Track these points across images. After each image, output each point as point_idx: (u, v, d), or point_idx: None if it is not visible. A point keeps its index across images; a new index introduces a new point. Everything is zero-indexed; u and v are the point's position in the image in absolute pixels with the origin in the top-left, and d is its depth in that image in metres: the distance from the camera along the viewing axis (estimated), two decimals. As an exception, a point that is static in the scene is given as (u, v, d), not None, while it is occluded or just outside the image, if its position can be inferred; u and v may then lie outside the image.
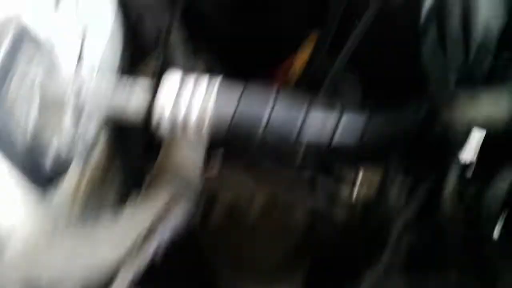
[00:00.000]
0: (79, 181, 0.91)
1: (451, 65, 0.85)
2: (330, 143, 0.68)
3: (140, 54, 1.08)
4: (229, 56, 1.18)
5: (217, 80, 0.69)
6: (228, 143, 0.72)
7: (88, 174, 0.93)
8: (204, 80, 0.69)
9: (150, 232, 0.67)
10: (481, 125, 0.76)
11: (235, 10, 1.16)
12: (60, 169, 0.78)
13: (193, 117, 0.66)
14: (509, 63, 0.82)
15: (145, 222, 0.68)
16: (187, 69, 1.00)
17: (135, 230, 0.66)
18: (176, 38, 1.06)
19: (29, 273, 0.59)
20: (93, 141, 0.80)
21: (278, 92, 0.68)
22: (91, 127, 0.79)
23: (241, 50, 1.24)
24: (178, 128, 0.66)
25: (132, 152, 1.01)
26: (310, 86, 1.03)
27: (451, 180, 0.81)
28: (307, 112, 0.67)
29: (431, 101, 0.77)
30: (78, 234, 0.65)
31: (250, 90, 0.69)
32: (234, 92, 0.68)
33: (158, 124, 0.66)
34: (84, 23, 0.80)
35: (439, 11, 0.84)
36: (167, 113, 0.66)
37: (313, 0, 1.07)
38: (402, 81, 1.01)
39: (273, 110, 0.67)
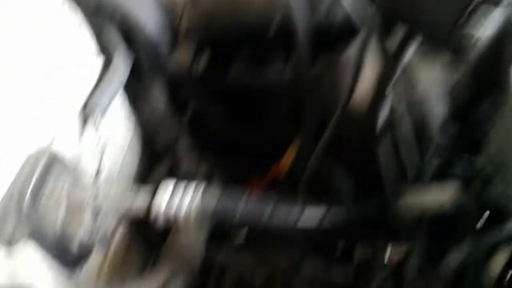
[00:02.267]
0: (102, 263, 1.09)
1: (404, 164, 1.01)
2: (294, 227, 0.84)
3: (153, 162, 1.29)
4: (228, 160, 1.40)
5: (202, 185, 0.87)
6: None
7: (109, 257, 1.11)
8: (192, 186, 0.87)
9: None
10: (429, 209, 0.91)
11: (234, 124, 1.38)
12: (84, 254, 0.94)
13: (182, 212, 0.83)
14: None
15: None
16: (191, 172, 1.21)
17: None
18: (183, 147, 1.27)
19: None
20: (111, 232, 0.97)
21: (249, 193, 0.87)
22: (107, 221, 0.96)
23: (238, 154, 1.45)
24: (171, 221, 0.84)
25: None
26: (298, 177, 1.20)
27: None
28: (274, 207, 0.85)
29: (384, 195, 0.93)
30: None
31: (228, 191, 0.88)
32: (215, 193, 0.87)
33: (156, 218, 0.84)
34: (103, 141, 1.01)
35: (391, 121, 1.01)
36: (162, 210, 0.84)
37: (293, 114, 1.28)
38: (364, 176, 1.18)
39: (246, 204, 0.84)
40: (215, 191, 0.87)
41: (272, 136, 1.35)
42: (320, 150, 1.05)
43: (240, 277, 1.27)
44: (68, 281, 0.92)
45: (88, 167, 0.98)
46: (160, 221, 0.84)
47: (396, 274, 1.00)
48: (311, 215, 0.86)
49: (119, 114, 1.18)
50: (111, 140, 1.09)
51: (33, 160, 0.82)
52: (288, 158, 1.22)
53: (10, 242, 0.77)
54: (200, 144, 1.32)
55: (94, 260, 1.04)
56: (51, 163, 0.84)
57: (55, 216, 0.86)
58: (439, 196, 0.89)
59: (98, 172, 0.97)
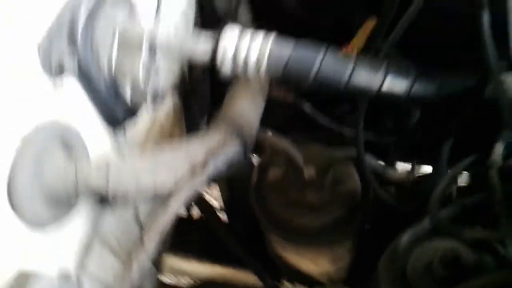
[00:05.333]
0: (152, 124, 0.99)
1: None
2: (379, 90, 0.70)
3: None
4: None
5: (273, 34, 0.73)
6: (284, 84, 0.74)
7: (159, 118, 1.01)
8: (261, 32, 0.74)
9: (202, 163, 0.71)
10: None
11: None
12: (132, 110, 0.84)
13: (252, 58, 0.70)
14: None
15: (199, 155, 0.72)
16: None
17: (189, 160, 0.71)
18: (244, 17, 1.13)
19: (101, 183, 0.65)
20: (163, 89, 0.85)
21: (328, 47, 0.72)
22: (162, 76, 0.84)
23: (306, 33, 1.28)
24: (239, 67, 0.71)
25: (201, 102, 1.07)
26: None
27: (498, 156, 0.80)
28: (355, 65, 0.71)
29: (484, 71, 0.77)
30: (143, 158, 0.70)
31: (303, 42, 0.73)
32: (289, 42, 0.73)
33: (222, 63, 0.71)
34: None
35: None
36: (229, 53, 0.71)
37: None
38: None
39: (324, 57, 0.70)
40: (289, 41, 0.73)
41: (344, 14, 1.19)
42: (399, 32, 0.88)
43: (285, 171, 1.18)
44: (112, 140, 0.82)
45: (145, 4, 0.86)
46: (228, 65, 0.71)
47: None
48: (399, 80, 0.72)
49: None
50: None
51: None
52: (361, 36, 1.06)
53: (56, 71, 0.66)
54: (263, 17, 1.18)
55: (143, 120, 0.94)
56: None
57: (108, 52, 0.74)
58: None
59: (157, 11, 0.83)
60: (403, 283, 0.79)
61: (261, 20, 1.16)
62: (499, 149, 0.80)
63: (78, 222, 0.75)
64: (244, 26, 1.08)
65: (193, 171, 0.70)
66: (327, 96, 1.27)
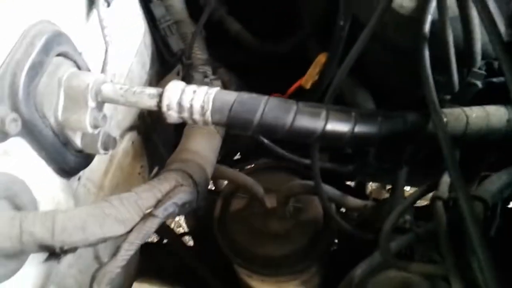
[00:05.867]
0: (109, 165, 0.98)
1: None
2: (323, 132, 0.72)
3: (164, 70, 1.17)
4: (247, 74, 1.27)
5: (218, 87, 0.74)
6: (229, 129, 0.75)
7: (117, 158, 1.00)
8: (206, 87, 0.74)
9: (153, 209, 0.72)
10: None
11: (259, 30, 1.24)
12: (85, 158, 0.84)
13: (197, 104, 0.71)
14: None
15: (149, 201, 0.72)
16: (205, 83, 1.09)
17: (139, 208, 0.71)
18: (200, 53, 1.14)
19: (46, 235, 0.64)
20: (118, 133, 0.85)
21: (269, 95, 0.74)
22: (114, 121, 0.85)
23: (260, 68, 1.31)
24: (185, 113, 0.71)
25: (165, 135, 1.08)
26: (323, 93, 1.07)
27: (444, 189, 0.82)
28: (297, 109, 0.72)
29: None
30: (92, 208, 0.70)
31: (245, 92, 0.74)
32: (232, 92, 0.74)
33: (168, 109, 0.71)
34: (111, 34, 0.87)
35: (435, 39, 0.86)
36: (174, 100, 0.71)
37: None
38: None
39: (267, 103, 0.71)
40: (232, 92, 0.74)
41: (297, 49, 1.22)
42: (350, 62, 0.90)
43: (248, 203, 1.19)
44: (64, 188, 0.82)
45: (93, 59, 0.86)
46: (173, 114, 0.72)
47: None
48: (342, 122, 0.73)
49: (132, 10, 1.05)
50: (122, 34, 0.96)
51: (32, 35, 0.69)
52: (313, 71, 1.08)
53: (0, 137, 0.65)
54: (217, 52, 1.19)
55: (96, 168, 0.94)
56: (54, 40, 0.71)
57: (52, 108, 0.74)
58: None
59: (104, 66, 0.84)
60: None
61: (217, 54, 1.18)
62: (445, 180, 0.82)
63: (31, 273, 0.74)
64: (199, 64, 1.11)
65: (143, 217, 0.70)
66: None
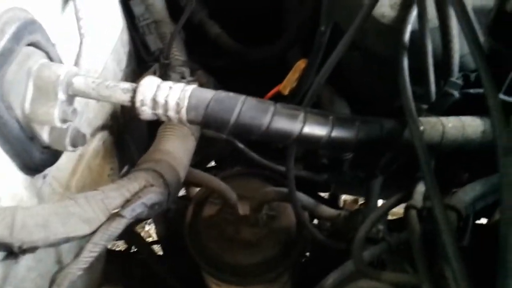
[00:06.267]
0: (77, 164, 0.94)
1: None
2: (299, 135, 0.70)
3: (140, 70, 1.14)
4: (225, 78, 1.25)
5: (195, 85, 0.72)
6: (205, 127, 0.73)
7: (86, 158, 0.96)
8: (182, 84, 0.72)
9: (119, 209, 0.68)
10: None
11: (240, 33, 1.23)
12: (51, 154, 0.80)
13: (172, 100, 0.69)
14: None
15: (116, 201, 0.69)
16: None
17: (106, 208, 0.68)
18: (178, 54, 1.12)
19: (5, 233, 0.60)
20: (88, 130, 0.82)
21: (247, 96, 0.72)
22: (85, 117, 0.81)
23: (239, 73, 1.30)
24: (159, 110, 0.69)
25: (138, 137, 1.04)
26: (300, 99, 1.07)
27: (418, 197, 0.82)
28: (275, 110, 0.70)
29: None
30: (55, 206, 0.66)
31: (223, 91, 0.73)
32: (210, 90, 0.72)
33: (141, 105, 0.69)
34: (87, 27, 0.84)
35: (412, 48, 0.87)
36: (149, 96, 0.69)
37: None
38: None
39: (245, 102, 0.70)
40: (209, 90, 0.72)
41: (277, 55, 1.21)
42: (329, 68, 0.90)
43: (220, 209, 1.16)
44: (27, 185, 0.78)
45: (66, 51, 0.83)
46: (147, 110, 0.69)
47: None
48: (319, 125, 0.72)
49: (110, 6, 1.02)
50: (98, 29, 0.93)
51: (2, 22, 0.66)
52: (292, 77, 1.07)
53: None
54: (196, 56, 1.18)
55: (64, 166, 0.90)
56: (25, 28, 0.68)
57: (21, 95, 0.71)
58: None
59: (78, 57, 0.81)
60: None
61: (196, 58, 1.16)
62: (420, 189, 0.82)
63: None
64: (177, 65, 1.09)
65: (110, 217, 0.67)
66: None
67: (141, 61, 1.15)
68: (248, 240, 1.10)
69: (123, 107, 1.14)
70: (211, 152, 1.40)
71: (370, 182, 1.03)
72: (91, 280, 1.08)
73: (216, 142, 1.31)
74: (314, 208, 1.04)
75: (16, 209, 0.62)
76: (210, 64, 1.21)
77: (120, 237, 1.70)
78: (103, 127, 1.04)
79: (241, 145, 1.08)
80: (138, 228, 2.48)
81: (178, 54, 1.11)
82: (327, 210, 1.07)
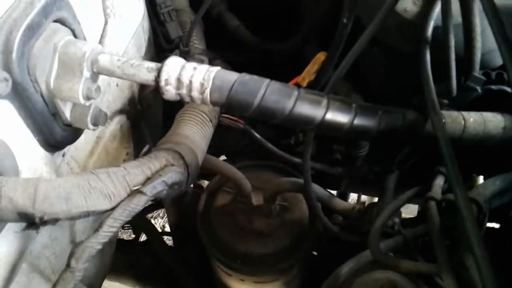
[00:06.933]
0: (95, 146, 0.94)
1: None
2: (322, 120, 0.70)
3: (159, 59, 1.14)
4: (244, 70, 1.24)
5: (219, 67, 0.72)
6: (227, 110, 0.72)
7: (104, 140, 0.97)
8: (206, 65, 0.72)
9: (141, 186, 0.68)
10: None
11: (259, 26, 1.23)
12: (72, 133, 0.80)
13: (197, 81, 0.68)
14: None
15: (138, 177, 0.69)
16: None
17: (127, 183, 0.68)
18: (197, 43, 1.12)
19: (27, 202, 0.60)
20: (108, 111, 0.82)
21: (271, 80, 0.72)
22: (106, 98, 0.82)
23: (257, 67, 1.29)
24: (183, 89, 0.69)
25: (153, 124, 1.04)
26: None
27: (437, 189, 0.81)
28: (299, 95, 0.70)
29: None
30: (77, 179, 0.66)
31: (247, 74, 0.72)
32: (234, 72, 0.72)
33: (166, 84, 0.69)
34: (112, 8, 0.85)
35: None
36: (174, 75, 0.69)
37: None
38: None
39: (269, 85, 0.70)
40: (234, 72, 0.72)
41: (294, 50, 1.21)
42: (349, 61, 0.89)
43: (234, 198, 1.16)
44: (47, 161, 0.78)
45: (92, 30, 0.83)
46: (171, 89, 0.69)
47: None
48: (342, 112, 0.72)
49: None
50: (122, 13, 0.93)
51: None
52: (311, 69, 1.07)
53: None
54: (214, 47, 1.18)
55: (82, 147, 0.90)
56: (54, 4, 0.68)
57: (46, 74, 0.71)
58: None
59: (102, 37, 0.81)
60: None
61: (215, 48, 1.16)
62: (439, 181, 0.82)
63: (4, 246, 0.70)
64: (197, 53, 1.09)
65: (130, 193, 0.67)
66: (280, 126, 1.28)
67: (160, 50, 1.15)
68: (260, 230, 1.10)
69: (140, 94, 1.14)
70: (223, 145, 1.40)
71: (385, 177, 1.03)
72: (102, 264, 1.08)
73: (229, 135, 1.32)
74: (328, 200, 1.04)
75: (39, 181, 0.62)
76: (228, 58, 1.21)
77: (132, 224, 1.71)
78: (121, 111, 1.05)
79: (257, 135, 1.08)
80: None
81: (197, 42, 1.12)
82: (342, 203, 1.06)
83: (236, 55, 1.28)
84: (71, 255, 0.65)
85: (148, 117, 1.19)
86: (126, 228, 1.87)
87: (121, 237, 2.28)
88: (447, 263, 0.62)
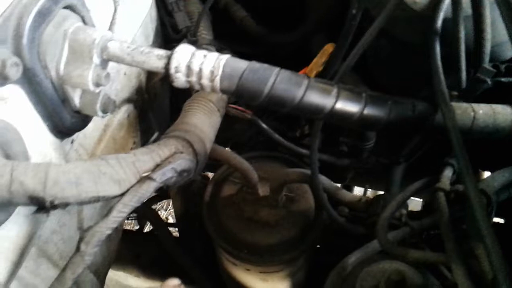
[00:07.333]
0: (102, 134, 0.94)
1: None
2: (332, 110, 0.70)
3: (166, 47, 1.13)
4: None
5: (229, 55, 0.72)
6: (237, 98, 0.72)
7: (111, 128, 0.97)
8: (215, 53, 0.71)
9: (150, 172, 0.68)
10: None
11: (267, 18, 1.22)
12: (81, 119, 0.80)
13: (207, 68, 0.68)
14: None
15: (147, 163, 0.69)
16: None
17: (137, 169, 0.68)
18: (205, 34, 1.12)
19: (38, 187, 0.60)
20: (116, 98, 0.82)
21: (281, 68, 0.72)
22: (115, 85, 0.81)
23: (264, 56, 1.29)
24: (193, 77, 0.68)
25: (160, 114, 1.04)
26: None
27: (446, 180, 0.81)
28: (309, 83, 0.70)
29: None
30: (87, 164, 0.66)
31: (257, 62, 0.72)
32: (244, 60, 0.71)
33: (176, 71, 0.69)
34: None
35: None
36: (184, 62, 0.68)
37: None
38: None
39: (279, 74, 0.69)
40: (244, 60, 0.72)
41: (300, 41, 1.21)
42: (358, 53, 0.89)
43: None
44: (56, 147, 0.78)
45: (101, 17, 0.83)
46: (181, 76, 0.69)
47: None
48: (352, 101, 0.71)
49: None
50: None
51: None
52: (319, 60, 1.07)
53: None
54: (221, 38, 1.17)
55: (90, 135, 0.90)
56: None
57: (56, 60, 0.71)
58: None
59: (111, 24, 0.80)
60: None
61: (221, 39, 1.16)
62: (447, 173, 0.81)
63: (14, 230, 0.70)
64: (204, 44, 1.09)
65: (140, 179, 0.67)
66: (288, 118, 1.28)
67: (167, 41, 1.15)
68: (266, 221, 1.10)
69: (148, 84, 1.14)
70: (228, 136, 1.40)
71: (392, 169, 1.03)
72: (108, 251, 1.09)
73: (234, 126, 1.32)
74: (334, 191, 1.04)
75: (49, 165, 0.62)
76: (234, 49, 1.21)
77: (138, 214, 1.71)
78: (128, 100, 1.05)
79: (264, 126, 1.07)
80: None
81: (205, 33, 1.11)
82: (348, 195, 1.06)
83: (243, 46, 1.28)
84: (81, 240, 0.65)
85: (155, 107, 1.19)
86: (131, 218, 1.88)
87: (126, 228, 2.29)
88: (456, 252, 0.62)
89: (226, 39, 1.24)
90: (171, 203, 3.39)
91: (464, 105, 0.79)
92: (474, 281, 0.59)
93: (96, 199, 0.65)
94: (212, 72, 0.68)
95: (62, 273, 0.64)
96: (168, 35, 1.13)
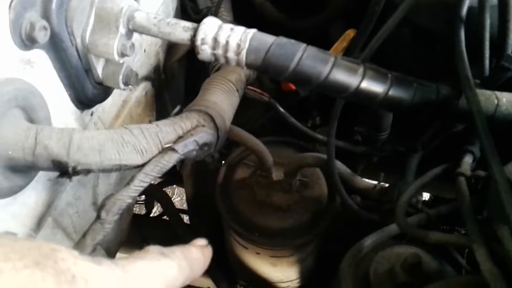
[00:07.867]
0: (121, 109, 0.94)
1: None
2: (357, 88, 0.69)
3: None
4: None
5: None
6: (262, 73, 0.72)
7: (129, 105, 0.96)
8: (242, 27, 0.71)
9: (172, 143, 0.68)
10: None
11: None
12: (102, 91, 0.80)
13: (233, 41, 0.68)
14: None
15: (170, 135, 0.69)
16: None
17: (159, 140, 0.67)
18: (225, 15, 1.11)
19: (62, 151, 0.60)
20: (137, 73, 0.82)
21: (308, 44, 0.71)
22: (137, 58, 0.81)
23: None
24: (219, 50, 0.68)
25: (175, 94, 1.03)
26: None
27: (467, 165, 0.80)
28: (336, 61, 0.69)
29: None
30: (111, 132, 0.66)
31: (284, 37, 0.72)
32: (271, 35, 0.71)
33: (202, 43, 0.68)
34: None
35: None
36: (210, 35, 0.68)
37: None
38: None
39: (306, 49, 0.69)
40: (271, 35, 0.71)
41: (320, 26, 1.20)
42: (379, 40, 0.88)
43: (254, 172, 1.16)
44: (77, 118, 0.78)
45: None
46: (207, 49, 0.69)
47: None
48: (377, 81, 0.71)
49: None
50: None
51: None
52: (340, 46, 1.06)
53: (26, 42, 0.61)
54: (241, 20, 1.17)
55: (109, 109, 0.90)
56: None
57: (83, 27, 0.70)
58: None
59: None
60: (365, 287, 0.78)
61: (240, 24, 1.15)
62: (468, 159, 0.81)
63: (32, 197, 0.70)
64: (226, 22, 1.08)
65: (162, 150, 0.67)
66: (299, 108, 1.27)
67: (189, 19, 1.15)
68: (278, 205, 1.09)
69: (165, 63, 1.14)
70: (242, 122, 1.40)
71: (408, 157, 1.02)
72: (120, 229, 1.09)
73: (249, 111, 1.31)
74: (349, 177, 1.03)
75: (73, 131, 0.62)
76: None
77: (147, 197, 1.71)
78: (147, 78, 1.04)
79: (282, 109, 1.07)
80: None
81: (226, 14, 1.11)
82: (363, 182, 1.06)
83: (261, 31, 1.27)
84: (101, 207, 0.65)
85: (171, 88, 1.18)
86: (139, 202, 1.88)
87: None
88: (478, 233, 0.61)
89: (245, 23, 1.23)
90: (176, 192, 3.40)
91: (488, 92, 0.78)
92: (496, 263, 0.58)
93: (118, 168, 0.65)
94: (238, 45, 0.68)
95: (81, 239, 0.64)
96: (189, 16, 1.13)
